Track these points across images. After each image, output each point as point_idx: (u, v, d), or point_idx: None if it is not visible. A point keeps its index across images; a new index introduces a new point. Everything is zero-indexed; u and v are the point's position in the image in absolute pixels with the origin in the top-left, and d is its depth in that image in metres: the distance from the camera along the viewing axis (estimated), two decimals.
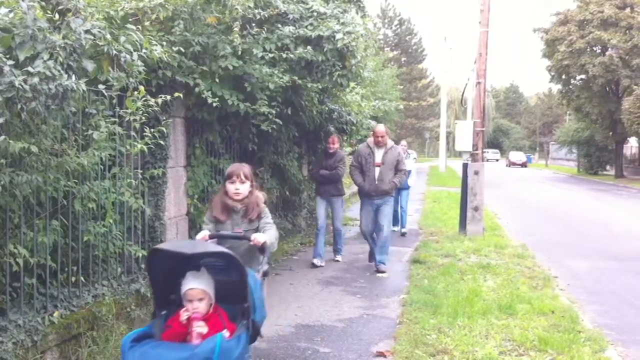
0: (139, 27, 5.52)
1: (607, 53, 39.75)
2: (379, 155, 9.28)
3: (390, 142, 9.43)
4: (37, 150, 4.14)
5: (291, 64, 7.37)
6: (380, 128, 9.54)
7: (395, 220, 12.48)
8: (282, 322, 6.63)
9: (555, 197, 25.90)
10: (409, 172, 12.03)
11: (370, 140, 9.50)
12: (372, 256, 9.82)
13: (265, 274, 4.17)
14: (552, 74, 45.01)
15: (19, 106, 3.83)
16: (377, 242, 9.49)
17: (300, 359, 5.57)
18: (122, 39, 5.00)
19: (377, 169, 9.22)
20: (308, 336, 6.22)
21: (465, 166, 13.56)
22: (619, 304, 8.19)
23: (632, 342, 6.54)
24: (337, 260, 10.06)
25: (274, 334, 6.21)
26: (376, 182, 9.20)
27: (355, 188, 14.54)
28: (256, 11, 7.10)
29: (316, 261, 9.66)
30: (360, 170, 9.42)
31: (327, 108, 10.93)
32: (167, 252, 3.59)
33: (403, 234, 13.07)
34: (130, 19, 5.58)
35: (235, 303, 3.67)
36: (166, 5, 5.95)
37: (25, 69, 3.86)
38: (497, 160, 76.05)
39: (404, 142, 12.40)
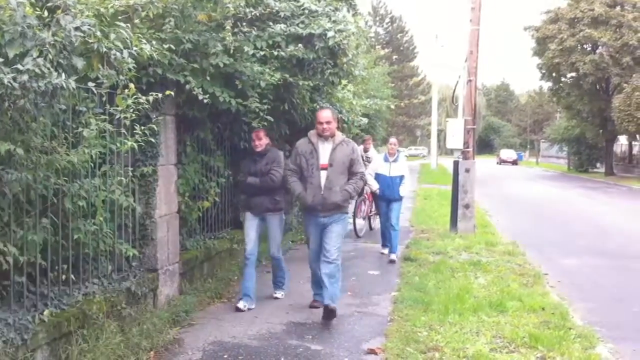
0: (129, 24, 5.48)
1: (597, 51, 39.95)
2: (324, 152, 6.63)
3: (340, 135, 6.78)
4: (22, 153, 4.12)
5: (282, 61, 7.36)
6: (326, 113, 6.73)
7: (384, 239, 10.78)
8: (274, 319, 6.63)
9: (545, 195, 26.00)
10: (401, 177, 10.16)
11: (313, 132, 6.78)
12: (317, 286, 7.15)
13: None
14: (543, 71, 45.14)
15: (8, 104, 3.81)
16: (323, 275, 6.64)
17: (291, 356, 5.57)
18: (112, 36, 4.98)
19: (323, 173, 6.57)
20: (299, 334, 6.22)
21: (456, 164, 13.59)
22: (609, 301, 8.23)
23: (622, 338, 6.58)
24: (277, 297, 7.54)
25: (266, 331, 6.21)
26: (322, 192, 6.53)
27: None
28: (247, 9, 7.08)
29: (241, 304, 6.96)
30: (299, 176, 6.76)
31: (318, 106, 10.92)
32: None
33: (392, 261, 9.99)
34: (120, 17, 5.56)
35: None
36: (156, 3, 5.92)
37: (14, 66, 3.84)
38: (423, 156, 73.03)
39: (393, 140, 10.64)
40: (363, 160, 11.22)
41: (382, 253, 10.68)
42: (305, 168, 6.65)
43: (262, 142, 7.25)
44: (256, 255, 7.35)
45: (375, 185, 10.30)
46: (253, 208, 7.29)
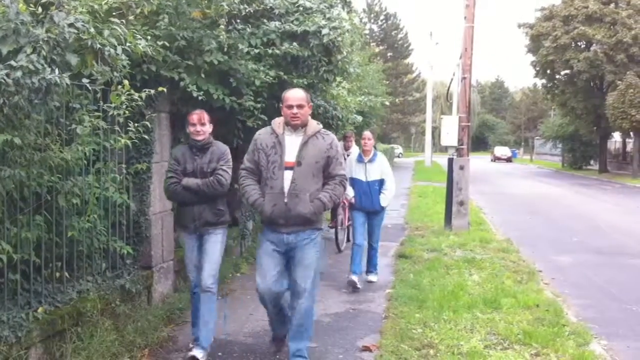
0: (123, 21, 5.47)
1: (591, 48, 39.98)
2: (292, 146, 4.99)
3: (314, 124, 5.14)
4: (20, 143, 4.11)
5: (277, 59, 7.35)
6: (297, 93, 5.10)
7: (355, 265, 8.08)
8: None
9: (540, 192, 26.05)
10: (380, 182, 8.10)
11: (278, 120, 5.15)
12: (275, 341, 5.68)
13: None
14: (537, 69, 45.29)
15: (2, 100, 3.79)
16: (289, 318, 5.27)
17: (286, 353, 5.56)
18: (106, 32, 4.96)
19: (288, 175, 4.91)
20: None
21: (450, 161, 13.60)
22: (602, 298, 8.26)
23: (615, 335, 6.60)
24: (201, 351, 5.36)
25: (260, 329, 6.21)
26: (285, 200, 4.87)
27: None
28: (242, 6, 7.07)
29: (197, 353, 5.31)
30: (257, 178, 5.11)
31: (312, 103, 10.89)
32: None
33: (370, 281, 8.36)
34: (114, 13, 5.54)
35: None
36: (151, 0, 5.91)
37: (8, 62, 3.82)
38: (399, 155, 69.95)
39: (367, 133, 8.34)
40: (344, 158, 10.98)
41: (352, 282, 7.93)
42: (265, 167, 4.96)
43: (205, 128, 5.41)
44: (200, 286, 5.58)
45: (350, 193, 8.08)
46: (188, 223, 5.48)
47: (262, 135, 5.14)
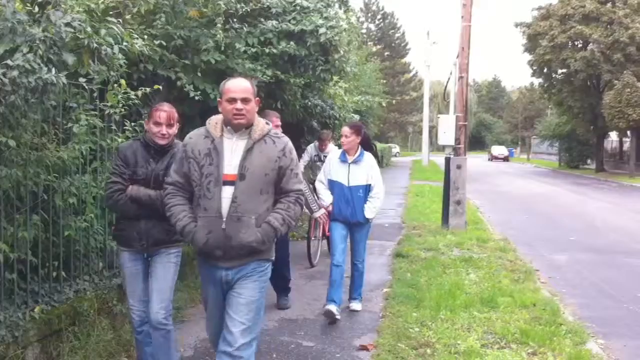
0: (120, 20, 5.47)
1: (588, 48, 40.02)
2: (233, 154, 3.82)
3: (262, 124, 3.94)
4: (14, 145, 4.10)
5: (274, 58, 7.36)
6: (242, 83, 3.90)
7: (334, 290, 6.59)
8: (266, 317, 6.61)
9: (537, 191, 26.07)
10: (366, 188, 6.63)
11: (215, 119, 3.95)
12: None
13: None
14: (534, 68, 45.32)
15: None
16: None
17: (283, 353, 5.57)
18: (103, 32, 4.96)
19: (228, 192, 3.74)
20: (291, 330, 6.22)
21: (447, 160, 13.60)
22: (599, 297, 8.27)
23: (612, 334, 6.60)
24: None
25: None
26: (223, 226, 3.73)
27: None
28: (239, 5, 7.07)
29: None
30: (188, 195, 3.93)
31: (310, 103, 10.92)
32: None
33: (353, 311, 6.89)
34: (111, 12, 5.54)
35: None
36: None
37: (4, 62, 3.81)
38: (396, 154, 68.92)
39: (346, 129, 6.70)
40: (320, 160, 9.82)
41: (329, 312, 6.43)
42: (198, 182, 3.79)
43: (172, 131, 4.48)
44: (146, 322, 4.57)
45: (328, 199, 6.75)
46: (133, 241, 4.43)
47: (193, 140, 3.89)
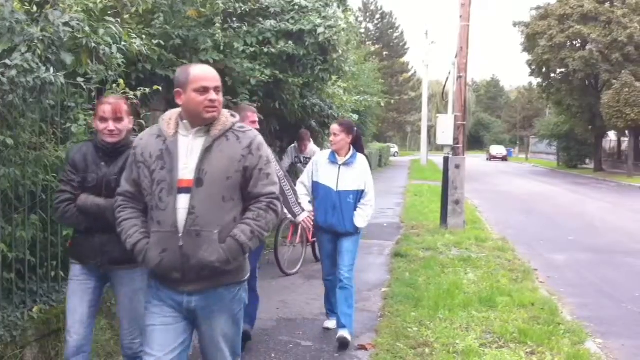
0: (118, 19, 5.47)
1: (586, 47, 40.05)
2: (189, 155, 3.15)
3: (226, 116, 3.27)
4: (12, 144, 4.10)
5: (272, 58, 7.36)
6: (212, 71, 3.35)
7: (328, 301, 6.28)
8: (264, 316, 6.61)
9: (535, 191, 26.09)
10: (357, 194, 5.83)
11: (169, 115, 3.30)
12: None
13: None
14: (533, 68, 45.34)
15: None
16: None
17: (282, 352, 5.57)
18: (101, 31, 4.96)
19: (184, 200, 3.09)
20: (290, 330, 6.22)
21: (446, 160, 13.61)
22: (597, 296, 8.27)
23: (610, 334, 6.61)
24: None
25: (256, 327, 6.19)
26: (180, 243, 3.07)
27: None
28: (237, 5, 7.07)
29: None
30: (141, 207, 3.29)
31: (308, 102, 10.92)
32: None
33: (343, 345, 5.68)
34: (109, 12, 5.53)
35: None
36: None
37: (2, 61, 3.81)
38: (395, 154, 68.22)
39: (335, 127, 5.90)
40: (300, 162, 9.58)
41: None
42: (149, 190, 3.17)
43: (121, 125, 3.83)
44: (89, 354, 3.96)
45: (306, 207, 5.94)
46: (88, 258, 3.83)
47: (144, 141, 3.26)
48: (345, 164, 5.83)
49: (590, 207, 19.82)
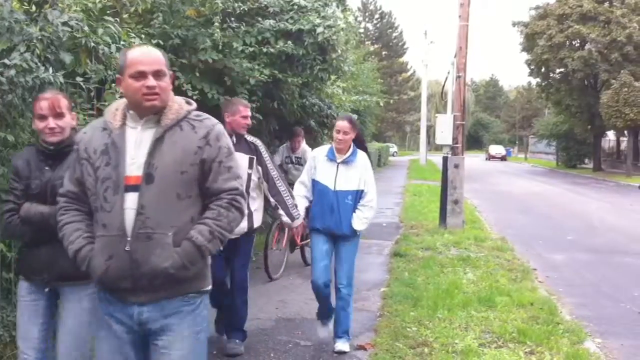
0: (117, 19, 5.46)
1: (586, 47, 40.11)
2: (137, 148, 2.78)
3: (179, 103, 2.88)
4: (13, 140, 4.10)
5: (271, 57, 7.35)
6: (151, 53, 2.85)
7: (322, 306, 5.81)
8: (263, 315, 6.62)
9: (534, 190, 26.11)
10: (356, 194, 5.41)
11: (115, 106, 2.93)
12: None
13: None
14: (532, 67, 45.41)
15: None
16: None
17: (281, 352, 5.57)
18: (100, 31, 4.95)
19: (132, 199, 2.71)
20: (289, 329, 6.22)
21: (445, 160, 13.61)
22: (596, 296, 8.28)
23: (609, 333, 6.61)
24: None
25: (255, 327, 6.20)
26: (127, 247, 2.68)
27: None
28: (236, 4, 7.06)
29: None
30: (86, 208, 2.89)
31: (307, 102, 10.92)
32: None
33: (340, 353, 5.52)
34: (108, 11, 5.53)
35: None
36: None
37: (1, 61, 3.81)
38: (394, 154, 67.36)
39: (342, 123, 5.43)
40: (291, 163, 9.21)
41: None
42: (93, 189, 2.82)
43: (62, 122, 3.43)
44: None
45: (302, 209, 5.62)
46: (34, 273, 3.47)
47: (88, 135, 2.92)
48: (345, 162, 5.42)
49: (589, 206, 19.84)
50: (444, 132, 13.59)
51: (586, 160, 49.01)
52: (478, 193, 22.70)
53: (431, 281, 8.17)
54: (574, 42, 41.54)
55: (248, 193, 5.13)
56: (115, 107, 2.90)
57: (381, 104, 20.50)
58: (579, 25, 39.05)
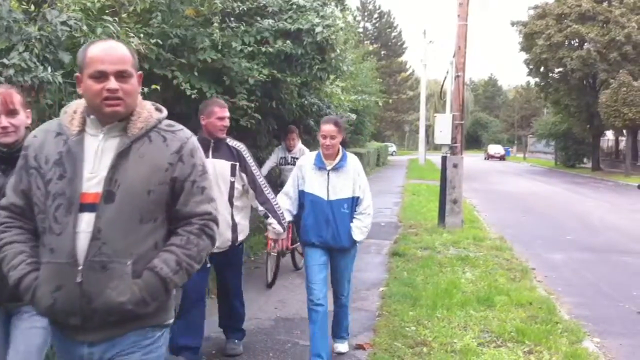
0: (116, 19, 5.46)
1: (584, 47, 40.12)
2: (100, 157, 2.37)
3: (146, 110, 2.51)
4: None
5: (270, 57, 7.35)
6: (114, 47, 2.41)
7: (316, 342, 5.08)
8: (262, 315, 6.62)
9: (533, 190, 26.12)
10: (351, 202, 5.05)
11: (73, 107, 2.49)
12: None
13: None
14: (531, 67, 45.46)
15: None
16: None
17: (279, 352, 5.57)
18: (99, 30, 4.95)
19: (88, 221, 2.29)
20: (288, 329, 6.22)
21: (444, 159, 13.62)
22: (595, 296, 8.28)
23: (608, 333, 6.62)
24: None
25: (254, 327, 6.21)
26: (78, 279, 2.27)
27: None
28: (235, 4, 7.06)
29: None
30: (31, 227, 2.44)
31: (306, 102, 10.92)
32: None
33: (339, 354, 5.50)
34: (107, 11, 5.53)
35: None
36: None
37: (0, 60, 3.81)
38: (393, 153, 66.72)
39: (328, 127, 5.07)
40: (287, 163, 8.45)
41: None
42: (41, 206, 2.38)
43: (17, 120, 3.03)
44: None
45: (286, 216, 5.16)
46: None
47: (38, 139, 2.47)
48: (335, 168, 5.04)
49: (588, 206, 19.85)
50: (443, 131, 13.60)
51: (585, 160, 49.04)
52: (477, 192, 22.72)
53: (430, 281, 8.17)
54: (572, 42, 41.56)
55: (232, 203, 4.97)
56: (74, 109, 2.47)
57: (380, 104, 20.49)
58: (578, 25, 39.07)
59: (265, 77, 7.13)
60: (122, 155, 2.34)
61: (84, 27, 4.62)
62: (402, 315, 6.61)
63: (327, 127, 5.03)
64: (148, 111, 2.49)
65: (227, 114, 5.02)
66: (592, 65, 39.01)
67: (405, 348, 5.63)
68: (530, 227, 14.77)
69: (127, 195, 2.31)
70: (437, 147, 22.37)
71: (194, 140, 2.53)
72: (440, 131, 13.68)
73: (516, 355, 5.56)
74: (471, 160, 48.22)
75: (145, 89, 5.46)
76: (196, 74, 6.65)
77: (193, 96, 6.50)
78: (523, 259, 10.11)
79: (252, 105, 7.12)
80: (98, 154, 2.35)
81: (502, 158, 66.28)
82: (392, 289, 7.68)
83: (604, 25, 39.00)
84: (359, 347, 5.71)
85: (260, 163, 9.46)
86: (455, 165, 13.25)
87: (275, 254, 7.68)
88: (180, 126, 2.55)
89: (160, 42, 6.20)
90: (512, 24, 46.65)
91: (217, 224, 2.52)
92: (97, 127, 2.39)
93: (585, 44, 40.28)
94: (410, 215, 15.59)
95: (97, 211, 2.29)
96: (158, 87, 5.84)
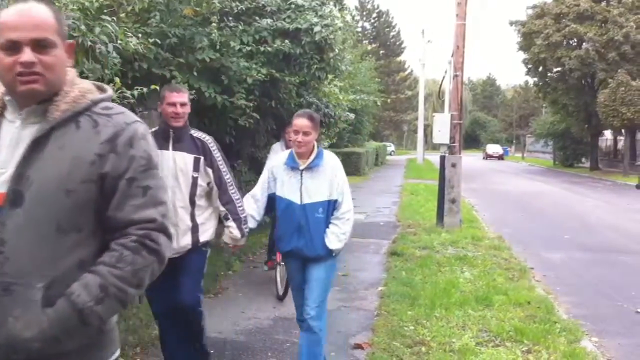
0: (115, 18, 5.45)
1: (583, 46, 40.16)
2: (14, 148, 1.82)
3: (77, 89, 1.89)
4: None
5: (269, 56, 7.36)
6: (31, 10, 1.83)
7: None
8: (261, 315, 6.62)
9: (531, 190, 26.14)
10: (328, 205, 4.45)
11: None
12: None
13: None
14: (529, 66, 45.53)
15: None
16: None
17: (278, 351, 5.57)
18: (97, 30, 4.94)
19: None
20: (286, 329, 6.20)
21: (442, 159, 13.63)
22: (593, 295, 8.29)
23: (606, 332, 6.62)
24: None
25: (253, 326, 6.21)
26: None
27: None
28: (234, 3, 7.07)
29: None
30: None
31: (305, 101, 10.92)
32: None
33: None
34: (105, 10, 5.52)
35: None
36: None
37: None
38: (391, 153, 65.36)
39: (301, 121, 4.45)
40: None
41: None
42: None
43: None
44: None
45: (251, 224, 4.68)
46: None
47: None
48: (309, 167, 4.46)
49: (587, 206, 19.87)
50: (442, 131, 13.59)
51: (583, 160, 49.05)
52: (475, 192, 22.73)
53: (428, 280, 8.17)
54: (571, 41, 41.61)
55: (193, 202, 4.39)
56: None
57: (378, 103, 20.52)
58: (576, 25, 39.11)
59: (263, 76, 7.13)
60: (36, 145, 1.80)
61: (82, 27, 4.61)
62: (400, 314, 6.61)
63: (300, 122, 4.43)
64: (82, 90, 1.91)
65: (179, 99, 4.45)
66: (591, 65, 39.05)
67: (403, 347, 5.63)
68: (528, 226, 14.78)
69: (39, 197, 1.77)
70: (435, 147, 22.38)
71: (137, 127, 1.91)
72: (439, 131, 13.68)
73: (514, 355, 5.56)
74: (469, 159, 48.25)
75: (145, 89, 5.47)
76: (195, 73, 6.64)
77: (191, 96, 6.50)
78: (521, 258, 10.11)
79: (251, 104, 7.12)
80: (12, 145, 1.84)
81: (500, 158, 66.33)
82: (391, 289, 7.68)
83: (602, 24, 39.05)
84: (358, 346, 5.71)
85: (259, 163, 9.57)
86: (453, 165, 13.26)
87: (283, 264, 6.96)
88: (123, 109, 1.96)
89: (159, 42, 6.20)
90: (511, 23, 46.71)
91: (166, 233, 1.90)
92: (15, 111, 1.88)
93: (584, 43, 40.33)
94: (408, 214, 15.59)
95: (0, 217, 1.76)
96: (157, 87, 5.84)
